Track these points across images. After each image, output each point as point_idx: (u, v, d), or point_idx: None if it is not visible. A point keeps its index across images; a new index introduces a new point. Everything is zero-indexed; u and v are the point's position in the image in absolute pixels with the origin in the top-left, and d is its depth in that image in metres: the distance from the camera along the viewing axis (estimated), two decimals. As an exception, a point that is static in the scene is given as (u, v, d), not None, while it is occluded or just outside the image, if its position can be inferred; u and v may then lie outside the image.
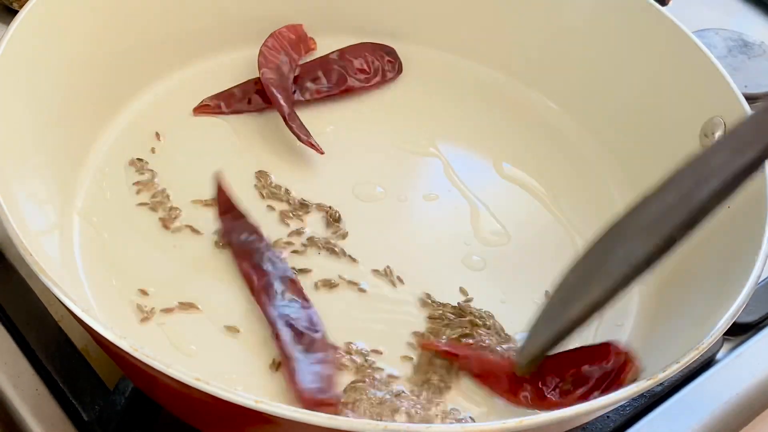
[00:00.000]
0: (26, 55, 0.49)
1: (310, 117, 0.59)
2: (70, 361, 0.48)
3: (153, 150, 0.56)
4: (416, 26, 0.65)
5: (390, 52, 0.63)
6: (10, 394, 0.47)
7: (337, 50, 0.62)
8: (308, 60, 0.62)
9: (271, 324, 0.47)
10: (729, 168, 0.38)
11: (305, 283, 0.49)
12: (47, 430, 0.46)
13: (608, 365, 0.44)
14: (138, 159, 0.55)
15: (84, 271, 0.49)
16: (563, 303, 0.42)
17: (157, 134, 0.57)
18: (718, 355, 0.53)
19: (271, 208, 0.54)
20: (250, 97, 0.59)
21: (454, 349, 0.47)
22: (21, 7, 0.50)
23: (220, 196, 0.53)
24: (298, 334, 0.46)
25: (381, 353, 0.47)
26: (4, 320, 0.50)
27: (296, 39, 0.62)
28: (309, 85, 0.60)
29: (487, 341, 0.48)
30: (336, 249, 0.52)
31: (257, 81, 0.59)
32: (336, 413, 0.42)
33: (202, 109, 0.59)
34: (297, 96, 0.60)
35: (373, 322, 0.49)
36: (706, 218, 0.39)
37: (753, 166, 0.38)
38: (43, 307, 0.50)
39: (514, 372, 0.44)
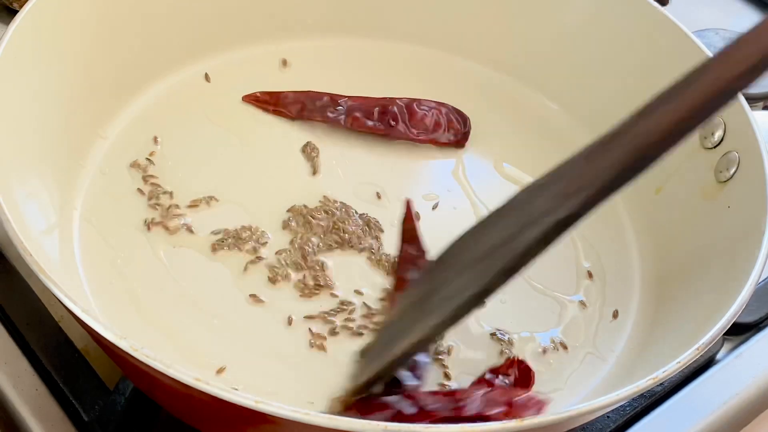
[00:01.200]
0: (26, 55, 0.49)
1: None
2: (70, 361, 0.48)
3: (153, 151, 0.56)
4: (416, 26, 0.65)
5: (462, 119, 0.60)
6: (10, 394, 0.47)
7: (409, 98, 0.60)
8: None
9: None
10: (551, 217, 0.38)
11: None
12: (47, 430, 0.46)
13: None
14: (138, 160, 0.55)
15: (84, 271, 0.49)
16: (394, 334, 0.43)
17: (157, 136, 0.57)
18: (718, 355, 0.53)
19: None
20: (300, 105, 0.59)
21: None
22: (21, 7, 0.50)
23: (407, 224, 0.53)
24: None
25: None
26: (4, 320, 0.50)
27: None
28: (357, 114, 0.59)
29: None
30: (334, 249, 0.52)
31: (310, 93, 0.59)
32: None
33: (251, 97, 0.59)
34: (341, 120, 0.59)
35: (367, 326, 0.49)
36: (528, 263, 0.39)
37: (573, 218, 0.38)
38: (43, 307, 0.50)
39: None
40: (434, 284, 0.43)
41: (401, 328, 0.42)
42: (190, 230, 0.52)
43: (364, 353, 0.45)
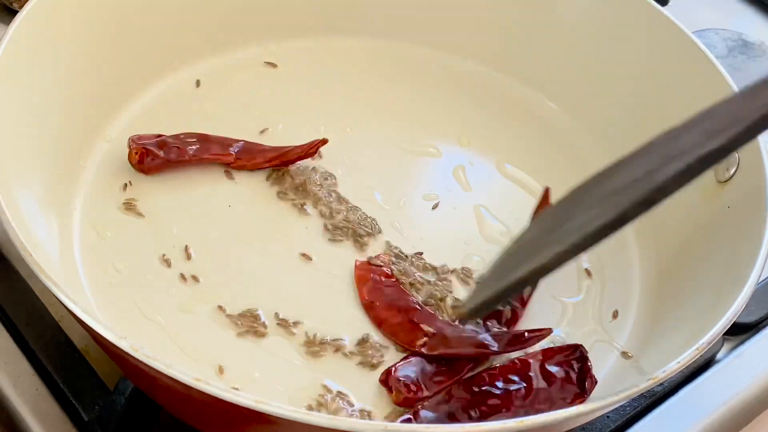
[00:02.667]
0: (26, 55, 0.49)
1: (310, 119, 0.59)
2: (70, 361, 0.48)
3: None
4: (415, 26, 0.65)
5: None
6: (10, 394, 0.47)
7: None
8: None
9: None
10: (697, 151, 0.36)
11: (308, 271, 0.50)
12: (47, 430, 0.46)
13: None
14: (138, 159, 0.55)
15: (84, 271, 0.49)
16: (514, 261, 0.41)
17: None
18: (718, 355, 0.53)
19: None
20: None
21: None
22: (21, 7, 0.51)
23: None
24: None
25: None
26: (4, 320, 0.50)
27: None
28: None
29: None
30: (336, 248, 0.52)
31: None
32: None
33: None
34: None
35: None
36: (665, 198, 0.37)
37: (721, 153, 0.36)
38: (43, 307, 0.50)
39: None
40: (564, 216, 0.41)
41: (522, 256, 0.41)
42: (190, 230, 0.52)
43: (482, 278, 0.44)
